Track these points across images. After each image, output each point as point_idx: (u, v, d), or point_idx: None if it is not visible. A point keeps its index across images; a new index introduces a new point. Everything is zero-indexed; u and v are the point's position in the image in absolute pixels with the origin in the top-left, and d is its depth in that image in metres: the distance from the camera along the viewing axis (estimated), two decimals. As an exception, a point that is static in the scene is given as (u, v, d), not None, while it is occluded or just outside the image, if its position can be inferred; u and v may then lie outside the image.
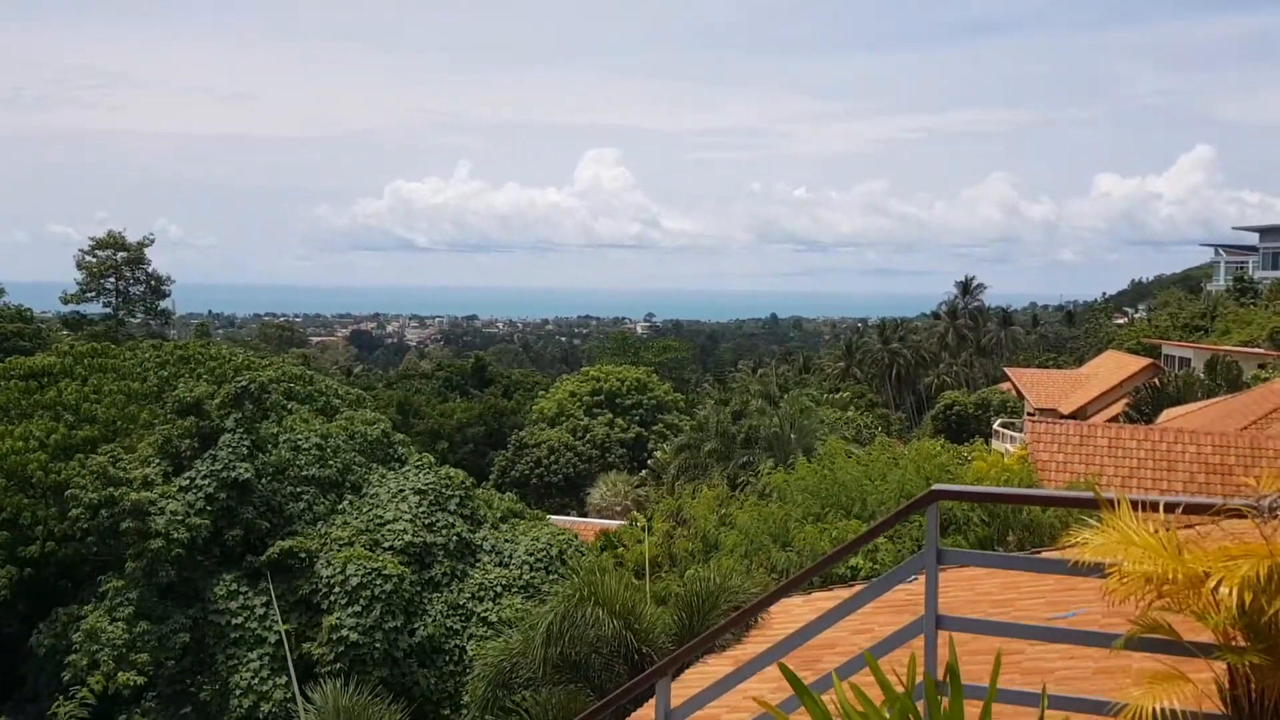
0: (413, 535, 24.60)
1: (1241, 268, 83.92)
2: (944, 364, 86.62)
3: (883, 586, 4.86)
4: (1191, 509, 3.76)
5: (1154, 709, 3.19)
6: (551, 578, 23.93)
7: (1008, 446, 42.30)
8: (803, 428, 40.10)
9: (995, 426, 51.89)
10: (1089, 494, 3.82)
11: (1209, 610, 3.29)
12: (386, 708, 14.36)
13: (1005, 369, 68.93)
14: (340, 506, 25.43)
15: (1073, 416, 49.11)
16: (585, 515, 41.48)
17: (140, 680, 21.92)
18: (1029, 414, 52.41)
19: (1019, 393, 59.05)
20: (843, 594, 9.44)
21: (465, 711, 18.75)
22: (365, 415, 28.95)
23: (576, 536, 26.77)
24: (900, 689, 3.37)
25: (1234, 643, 3.41)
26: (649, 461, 46.46)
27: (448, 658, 23.91)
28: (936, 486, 4.57)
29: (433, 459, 27.53)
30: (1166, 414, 37.02)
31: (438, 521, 25.16)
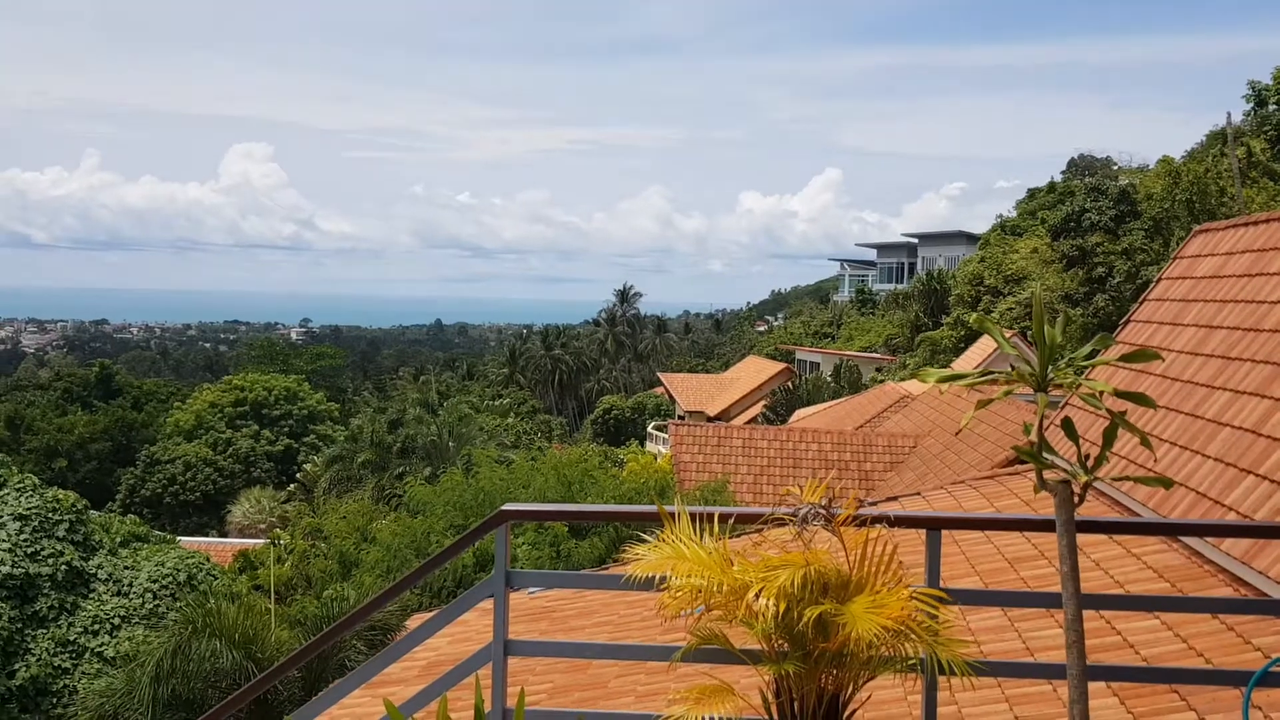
0: (12, 566, 21.94)
1: (863, 280, 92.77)
2: (604, 369, 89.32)
3: (454, 612, 4.63)
4: (744, 519, 3.82)
5: (699, 720, 3.17)
6: (179, 605, 22.12)
7: (660, 448, 44.17)
8: (461, 436, 39.79)
9: (650, 429, 54.10)
10: (653, 508, 3.78)
11: (753, 620, 3.30)
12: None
13: (659, 374, 72.04)
14: (-79, 538, 22.14)
15: (719, 418, 52.11)
16: (226, 535, 38.81)
17: None
18: (679, 417, 55.00)
19: (671, 396, 61.88)
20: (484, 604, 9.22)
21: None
22: (-46, 433, 25.40)
23: (209, 559, 24.86)
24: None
25: (779, 650, 3.45)
26: (298, 475, 44.31)
27: (56, 700, 21.59)
28: (506, 507, 4.43)
29: (37, 480, 24.57)
30: (798, 414, 40.04)
31: (43, 550, 22.56)
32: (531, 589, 8.69)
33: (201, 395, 53.08)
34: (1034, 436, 3.24)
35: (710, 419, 51.06)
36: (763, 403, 51.66)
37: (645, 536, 3.67)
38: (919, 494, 12.21)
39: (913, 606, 3.31)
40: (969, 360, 38.44)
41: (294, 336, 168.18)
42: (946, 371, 3.38)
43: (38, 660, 21.46)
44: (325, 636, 4.87)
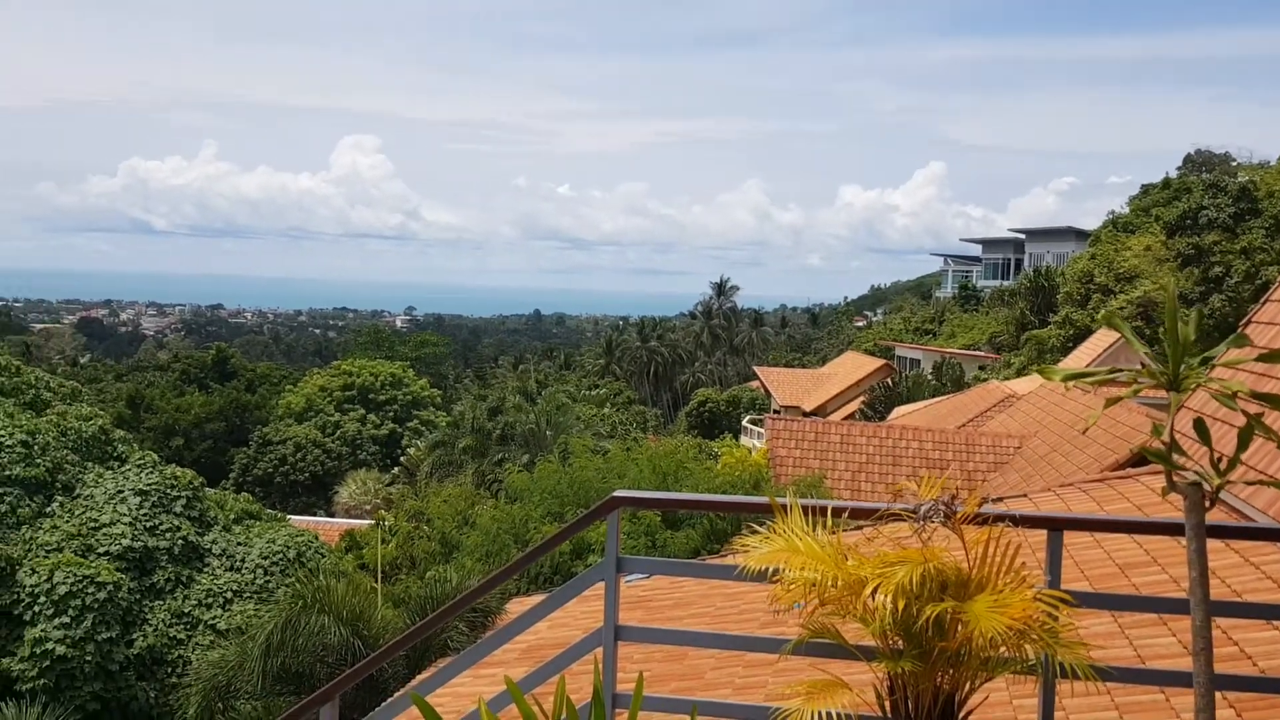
0: (132, 539, 22.88)
1: (966, 276, 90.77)
2: (699, 362, 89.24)
3: (563, 597, 4.70)
4: (857, 514, 3.79)
5: (813, 715, 3.17)
6: (288, 581, 22.82)
7: (755, 442, 43.97)
8: (559, 424, 40.20)
9: (744, 423, 53.89)
10: (765, 500, 3.79)
11: (868, 616, 3.29)
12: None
13: (755, 368, 71.65)
14: (49, 509, 23.27)
15: (815, 413, 51.63)
16: (333, 515, 39.97)
17: None
18: (774, 411, 54.66)
19: (767, 390, 61.52)
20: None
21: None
22: (80, 410, 26.59)
23: (317, 538, 25.60)
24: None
25: (894, 647, 3.42)
26: (401, 459, 45.35)
27: (171, 669, 22.44)
28: (617, 493, 4.47)
29: (156, 457, 25.61)
30: (897, 411, 39.40)
31: (161, 524, 23.48)
32: (628, 576, 8.76)
33: (311, 379, 54.75)
34: (1165, 437, 3.15)
35: (806, 414, 50.63)
36: (860, 399, 51.01)
37: (756, 528, 3.68)
38: (1025, 495, 11.93)
39: (1036, 608, 3.26)
40: (1078, 359, 37.32)
41: (399, 324, 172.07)
42: (1071, 369, 3.31)
43: (154, 630, 22.28)
44: (440, 615, 4.99)
